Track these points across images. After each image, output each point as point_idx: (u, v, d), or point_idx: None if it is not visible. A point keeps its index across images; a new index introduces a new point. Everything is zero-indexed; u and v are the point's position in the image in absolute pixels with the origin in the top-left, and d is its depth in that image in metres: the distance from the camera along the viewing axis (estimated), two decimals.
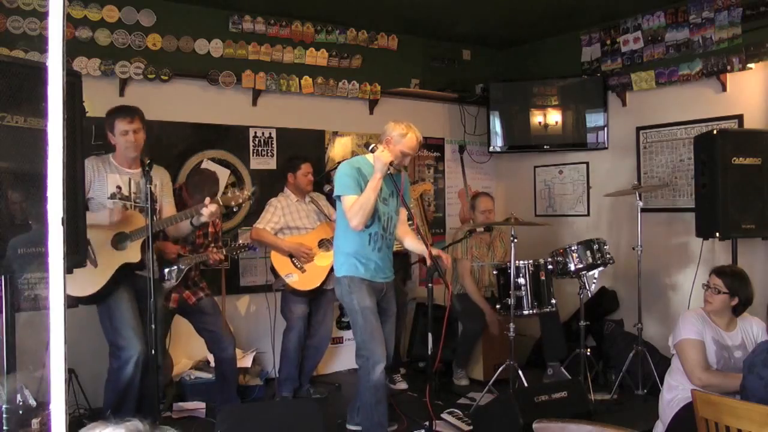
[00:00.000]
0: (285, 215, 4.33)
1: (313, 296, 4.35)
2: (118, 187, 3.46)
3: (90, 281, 3.24)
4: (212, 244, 4.07)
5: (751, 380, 2.49)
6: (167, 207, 3.66)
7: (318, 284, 4.27)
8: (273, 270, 4.31)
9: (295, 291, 4.26)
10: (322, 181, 4.99)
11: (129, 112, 3.49)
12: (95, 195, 3.43)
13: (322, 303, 4.48)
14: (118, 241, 3.37)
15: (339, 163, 5.04)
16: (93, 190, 3.41)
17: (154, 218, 3.36)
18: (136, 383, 3.37)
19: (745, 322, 3.15)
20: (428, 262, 3.25)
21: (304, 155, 4.63)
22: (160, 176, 3.67)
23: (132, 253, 3.36)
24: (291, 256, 4.25)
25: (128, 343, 3.36)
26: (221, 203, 3.39)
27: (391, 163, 3.28)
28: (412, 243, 3.61)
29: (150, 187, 3.14)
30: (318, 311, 4.48)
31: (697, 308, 3.19)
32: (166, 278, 3.72)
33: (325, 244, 4.35)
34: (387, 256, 3.50)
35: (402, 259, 4.96)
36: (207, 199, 3.37)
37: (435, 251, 3.31)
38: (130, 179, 3.50)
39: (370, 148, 3.38)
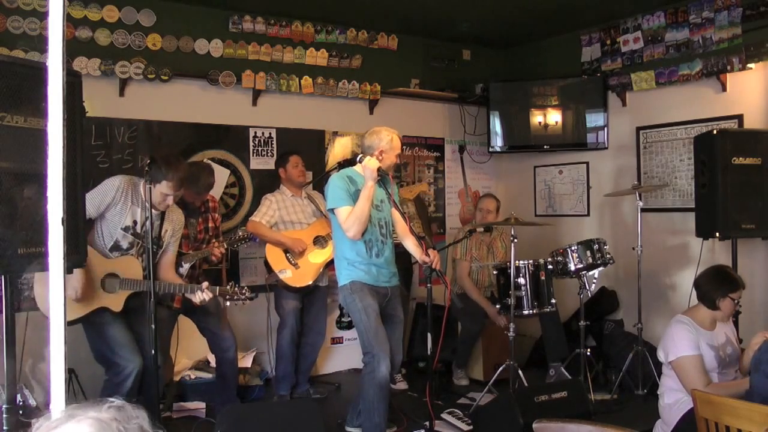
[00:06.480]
0: (280, 209, 4.36)
1: (306, 292, 4.37)
2: (134, 222, 3.36)
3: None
4: (213, 239, 4.07)
5: (757, 378, 2.49)
6: (169, 254, 3.55)
7: (311, 281, 4.29)
8: (267, 265, 4.32)
9: (287, 287, 4.27)
10: (323, 181, 4.98)
11: (179, 179, 3.31)
12: (111, 219, 3.30)
13: (315, 300, 4.49)
14: (110, 283, 3.28)
15: (338, 163, 5.05)
16: (111, 213, 3.29)
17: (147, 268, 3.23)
18: (135, 392, 3.32)
19: None
20: (423, 259, 3.35)
21: (291, 150, 4.63)
22: (174, 221, 3.55)
23: (115, 302, 3.28)
24: (286, 251, 4.27)
25: (125, 360, 3.29)
26: (217, 293, 3.33)
27: (379, 169, 3.35)
28: (411, 245, 3.64)
29: (152, 209, 3.11)
30: (311, 309, 4.50)
31: (681, 316, 3.11)
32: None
33: (320, 240, 4.37)
34: (389, 260, 3.54)
35: (403, 259, 4.96)
36: (205, 284, 3.33)
37: (430, 252, 3.36)
38: (147, 218, 3.34)
39: (359, 158, 3.46)
